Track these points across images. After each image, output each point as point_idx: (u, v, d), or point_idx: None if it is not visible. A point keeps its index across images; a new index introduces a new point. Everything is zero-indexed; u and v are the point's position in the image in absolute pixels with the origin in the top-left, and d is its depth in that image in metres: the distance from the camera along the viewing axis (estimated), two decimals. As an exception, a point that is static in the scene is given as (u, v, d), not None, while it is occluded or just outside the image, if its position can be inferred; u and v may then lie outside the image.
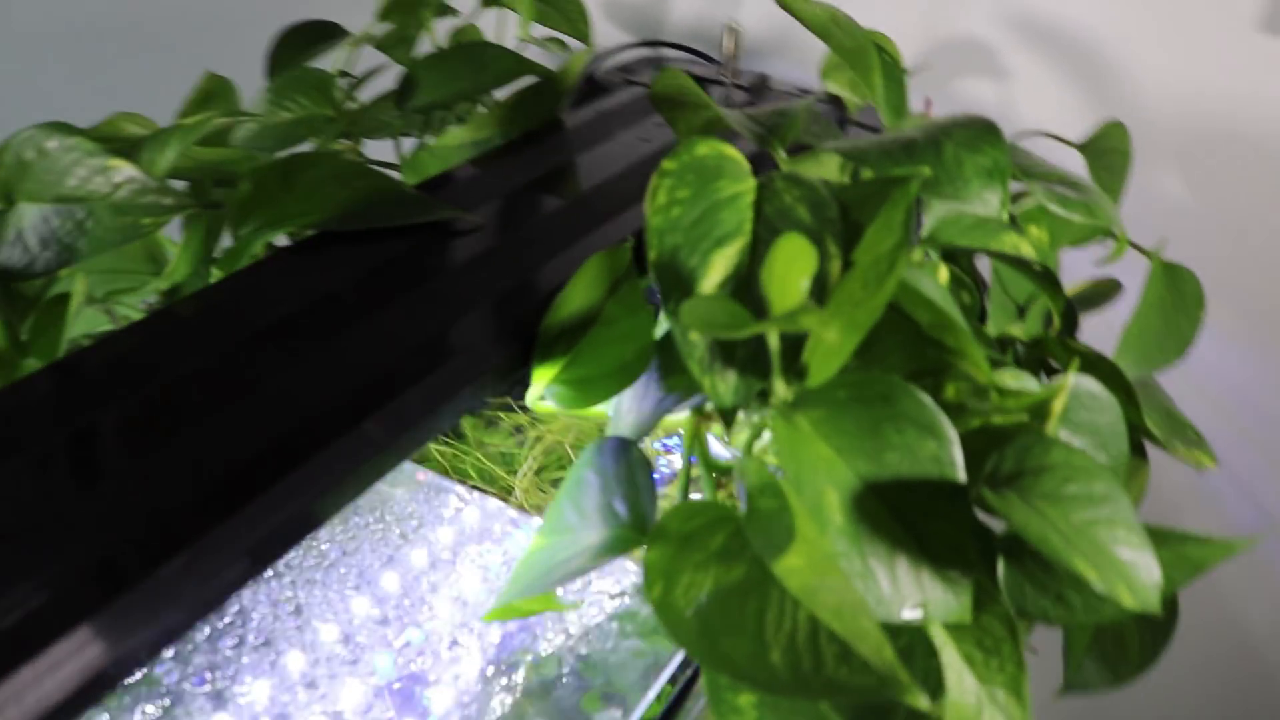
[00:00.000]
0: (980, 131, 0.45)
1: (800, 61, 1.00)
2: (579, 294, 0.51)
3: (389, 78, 0.76)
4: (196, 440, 0.39)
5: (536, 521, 0.72)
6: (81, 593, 0.33)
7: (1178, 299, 0.59)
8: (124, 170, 0.47)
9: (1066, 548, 0.38)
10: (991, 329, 0.56)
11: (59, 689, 0.31)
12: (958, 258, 0.49)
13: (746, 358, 0.40)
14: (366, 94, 0.73)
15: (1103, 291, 0.59)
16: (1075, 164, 0.67)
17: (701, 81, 0.75)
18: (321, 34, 0.75)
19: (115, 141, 0.61)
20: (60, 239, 0.46)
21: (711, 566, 0.38)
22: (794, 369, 0.40)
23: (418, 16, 0.68)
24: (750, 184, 0.42)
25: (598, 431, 0.82)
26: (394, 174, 0.68)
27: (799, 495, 0.38)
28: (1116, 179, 0.64)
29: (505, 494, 0.76)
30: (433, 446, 0.79)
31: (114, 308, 0.53)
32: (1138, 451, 0.56)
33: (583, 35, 0.80)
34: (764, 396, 0.41)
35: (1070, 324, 0.60)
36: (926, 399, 0.39)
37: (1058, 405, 0.41)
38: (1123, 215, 0.56)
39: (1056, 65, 0.87)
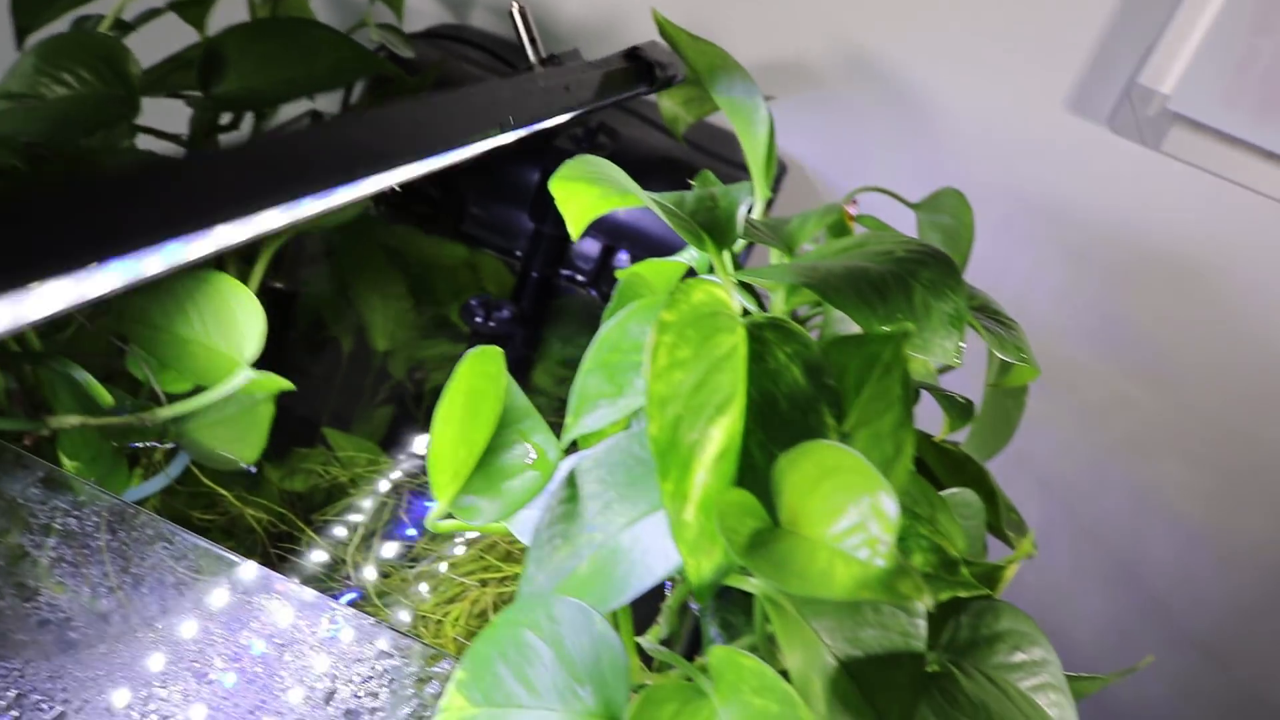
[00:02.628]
0: (944, 274, 0.43)
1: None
2: (459, 397, 0.45)
3: (168, 29, 0.63)
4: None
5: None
6: None
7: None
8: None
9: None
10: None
11: None
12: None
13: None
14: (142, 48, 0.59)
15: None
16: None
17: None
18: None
19: None
20: None
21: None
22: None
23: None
24: (741, 333, 0.38)
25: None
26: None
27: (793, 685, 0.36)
28: (959, 251, 0.65)
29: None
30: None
31: None
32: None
33: (396, 6, 0.70)
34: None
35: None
36: (906, 577, 0.38)
37: (1009, 574, 0.41)
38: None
39: (890, 123, 0.89)
